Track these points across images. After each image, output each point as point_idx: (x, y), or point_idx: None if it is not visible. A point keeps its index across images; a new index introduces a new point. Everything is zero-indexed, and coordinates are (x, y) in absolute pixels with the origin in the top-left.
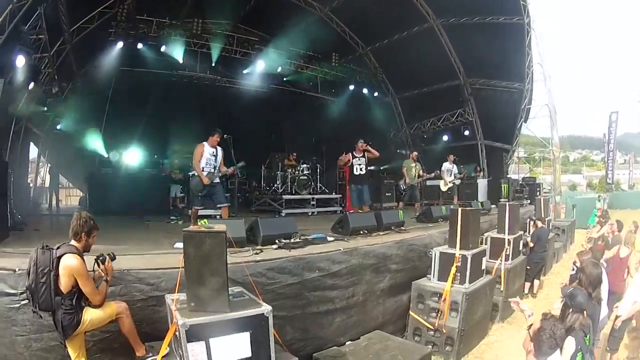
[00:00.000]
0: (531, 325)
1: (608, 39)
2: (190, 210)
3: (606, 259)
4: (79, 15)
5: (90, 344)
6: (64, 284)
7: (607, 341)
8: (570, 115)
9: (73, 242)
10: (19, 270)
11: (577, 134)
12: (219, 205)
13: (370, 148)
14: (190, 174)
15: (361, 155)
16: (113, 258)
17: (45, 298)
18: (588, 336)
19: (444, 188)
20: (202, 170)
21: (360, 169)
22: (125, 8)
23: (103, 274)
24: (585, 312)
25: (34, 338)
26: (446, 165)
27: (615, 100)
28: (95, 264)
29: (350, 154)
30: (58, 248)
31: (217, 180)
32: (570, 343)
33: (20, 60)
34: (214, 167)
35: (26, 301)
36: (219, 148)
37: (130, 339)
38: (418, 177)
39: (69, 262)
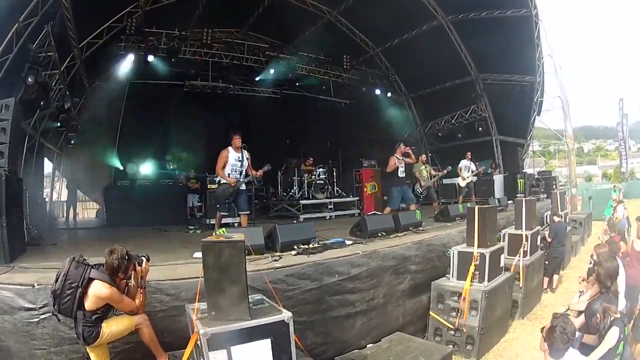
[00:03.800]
0: (544, 327)
1: (619, 26)
2: (208, 219)
3: (623, 252)
4: (88, 31)
5: (112, 355)
6: (90, 304)
7: (631, 331)
8: (582, 105)
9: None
10: (37, 285)
11: (590, 124)
12: (240, 213)
13: (410, 152)
14: (217, 180)
15: (402, 157)
16: (148, 259)
17: (67, 307)
18: (627, 326)
19: (462, 184)
20: (228, 177)
21: (403, 172)
22: (133, 21)
23: (139, 277)
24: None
25: (54, 351)
26: (464, 163)
27: (627, 88)
28: (133, 267)
29: (394, 157)
30: (93, 267)
31: (242, 187)
32: (614, 332)
33: (31, 78)
34: (240, 173)
35: (45, 315)
36: (245, 152)
37: (152, 348)
38: (431, 177)
39: (99, 292)
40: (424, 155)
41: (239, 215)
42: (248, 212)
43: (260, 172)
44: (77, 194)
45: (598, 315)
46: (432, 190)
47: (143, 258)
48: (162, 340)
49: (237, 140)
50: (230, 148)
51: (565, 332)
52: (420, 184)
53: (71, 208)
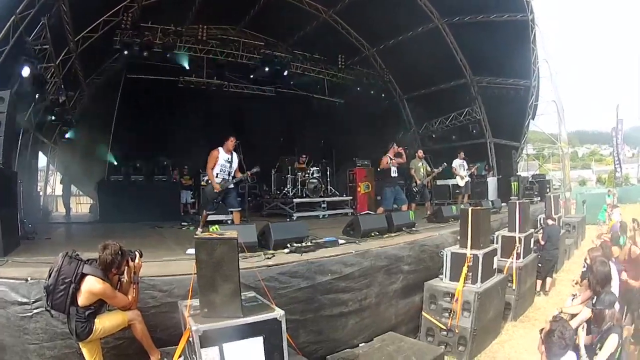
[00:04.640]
0: (543, 328)
1: (615, 31)
2: (201, 216)
3: (617, 257)
4: (83, 25)
5: (104, 351)
6: (83, 300)
7: (631, 336)
8: (577, 110)
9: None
10: (30, 279)
11: (585, 129)
12: (230, 210)
13: (402, 152)
14: (205, 179)
15: (394, 157)
16: (141, 255)
17: (60, 302)
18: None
19: (461, 183)
20: (216, 177)
21: (395, 171)
22: (129, 16)
23: (132, 272)
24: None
25: (47, 346)
26: (457, 161)
27: (622, 94)
28: (126, 262)
29: (387, 157)
30: (86, 262)
31: (231, 186)
32: (613, 339)
33: (26, 71)
34: (228, 174)
35: (38, 310)
36: (234, 154)
37: (144, 344)
38: (427, 175)
39: (92, 287)
40: (421, 151)
41: (231, 213)
42: (240, 208)
43: (248, 174)
44: (72, 188)
45: (607, 312)
46: (426, 189)
47: (136, 253)
48: (154, 337)
49: (231, 143)
50: (220, 148)
51: (564, 337)
52: (415, 183)
53: (66, 203)
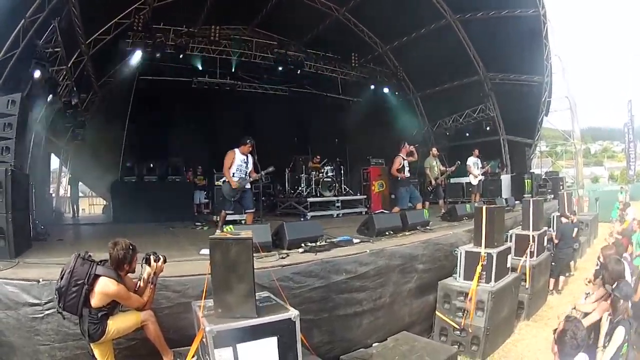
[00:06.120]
0: (556, 329)
1: (627, 26)
2: (215, 216)
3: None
4: (95, 27)
5: (116, 351)
6: (96, 301)
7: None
8: (590, 106)
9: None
10: (42, 280)
11: (597, 125)
12: (246, 211)
13: (414, 150)
14: (222, 180)
15: (406, 156)
16: (165, 261)
17: (73, 304)
18: (635, 328)
19: (474, 182)
20: (233, 176)
21: (408, 171)
22: (141, 18)
23: (153, 273)
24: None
25: (58, 347)
26: (472, 160)
27: (635, 89)
28: (145, 262)
29: (400, 157)
30: (99, 264)
31: (247, 186)
32: (620, 332)
33: (37, 74)
34: (245, 173)
35: (50, 311)
36: (249, 156)
37: (157, 345)
38: (441, 174)
39: (106, 289)
40: (435, 149)
41: (245, 213)
42: (254, 210)
43: (262, 174)
44: (84, 189)
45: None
46: (440, 188)
47: (160, 257)
48: (167, 337)
49: (248, 147)
50: (237, 150)
51: (576, 337)
52: (430, 182)
53: (74, 204)
